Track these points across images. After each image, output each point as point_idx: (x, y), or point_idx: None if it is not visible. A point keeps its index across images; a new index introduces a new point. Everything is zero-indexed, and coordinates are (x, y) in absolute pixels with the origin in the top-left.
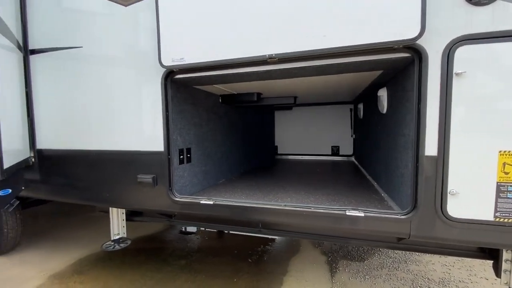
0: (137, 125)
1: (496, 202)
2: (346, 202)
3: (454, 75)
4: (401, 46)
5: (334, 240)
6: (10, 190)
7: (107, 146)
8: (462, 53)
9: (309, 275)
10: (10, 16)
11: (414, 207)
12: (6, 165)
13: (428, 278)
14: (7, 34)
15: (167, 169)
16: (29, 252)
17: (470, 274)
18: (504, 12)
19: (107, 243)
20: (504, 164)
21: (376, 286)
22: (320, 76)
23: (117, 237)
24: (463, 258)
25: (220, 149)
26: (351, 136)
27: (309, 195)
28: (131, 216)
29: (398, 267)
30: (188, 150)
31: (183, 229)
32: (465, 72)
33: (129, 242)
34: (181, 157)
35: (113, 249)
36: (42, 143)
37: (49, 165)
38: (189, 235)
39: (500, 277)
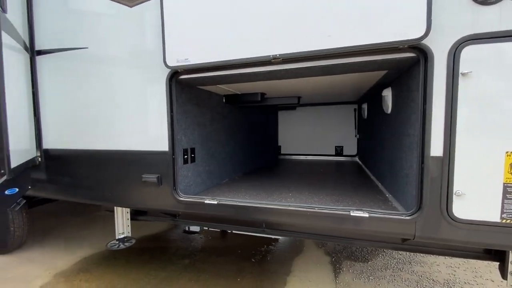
0: (142, 125)
1: (503, 203)
2: (350, 202)
3: (460, 75)
4: (406, 46)
5: (338, 240)
6: (17, 189)
7: (112, 146)
8: (468, 53)
9: (312, 275)
10: (17, 18)
11: (419, 208)
12: (13, 164)
13: (433, 280)
14: (14, 35)
15: (172, 169)
16: (35, 251)
17: (475, 276)
18: (511, 12)
19: (112, 242)
20: (511, 165)
21: (380, 287)
22: (324, 76)
23: (122, 236)
24: (468, 259)
25: (223, 149)
26: (355, 136)
27: (312, 195)
28: (136, 215)
29: (403, 268)
30: (192, 150)
31: (187, 229)
32: (471, 72)
33: (133, 241)
34: (185, 157)
35: (118, 248)
36: (49, 143)
37: (55, 165)
38: (192, 235)
39: (506, 279)
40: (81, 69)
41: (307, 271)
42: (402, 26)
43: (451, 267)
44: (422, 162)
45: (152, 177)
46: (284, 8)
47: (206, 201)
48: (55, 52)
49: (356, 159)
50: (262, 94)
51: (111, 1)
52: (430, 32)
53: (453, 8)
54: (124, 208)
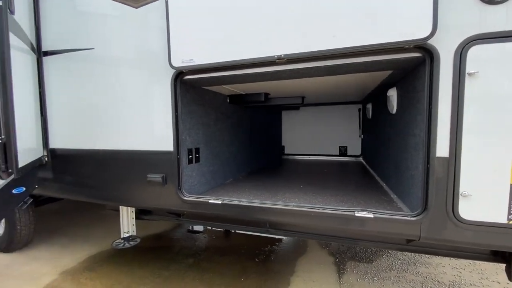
0: (147, 125)
1: (510, 204)
2: (354, 203)
3: (466, 75)
4: (412, 46)
5: (342, 241)
6: (24, 188)
7: (117, 145)
8: (475, 53)
9: (316, 275)
10: (24, 19)
11: (425, 208)
12: (20, 163)
13: (438, 281)
14: (22, 36)
15: (177, 169)
16: (41, 249)
17: (481, 278)
18: None
19: (117, 241)
20: None
21: None
22: (328, 76)
23: (127, 235)
24: (474, 261)
25: (228, 149)
26: (359, 136)
27: (317, 196)
28: (141, 214)
29: (407, 269)
30: (197, 150)
31: (191, 228)
32: (478, 72)
33: (138, 240)
34: (190, 156)
35: (123, 247)
36: (55, 143)
37: (62, 164)
38: (196, 234)
39: None
40: (87, 70)
41: (310, 272)
42: (407, 26)
43: (457, 268)
44: (428, 163)
45: (157, 177)
46: (289, 9)
47: (211, 201)
48: (62, 53)
49: (361, 159)
50: (266, 94)
51: (117, 2)
52: (436, 32)
53: (460, 8)
54: (129, 207)
